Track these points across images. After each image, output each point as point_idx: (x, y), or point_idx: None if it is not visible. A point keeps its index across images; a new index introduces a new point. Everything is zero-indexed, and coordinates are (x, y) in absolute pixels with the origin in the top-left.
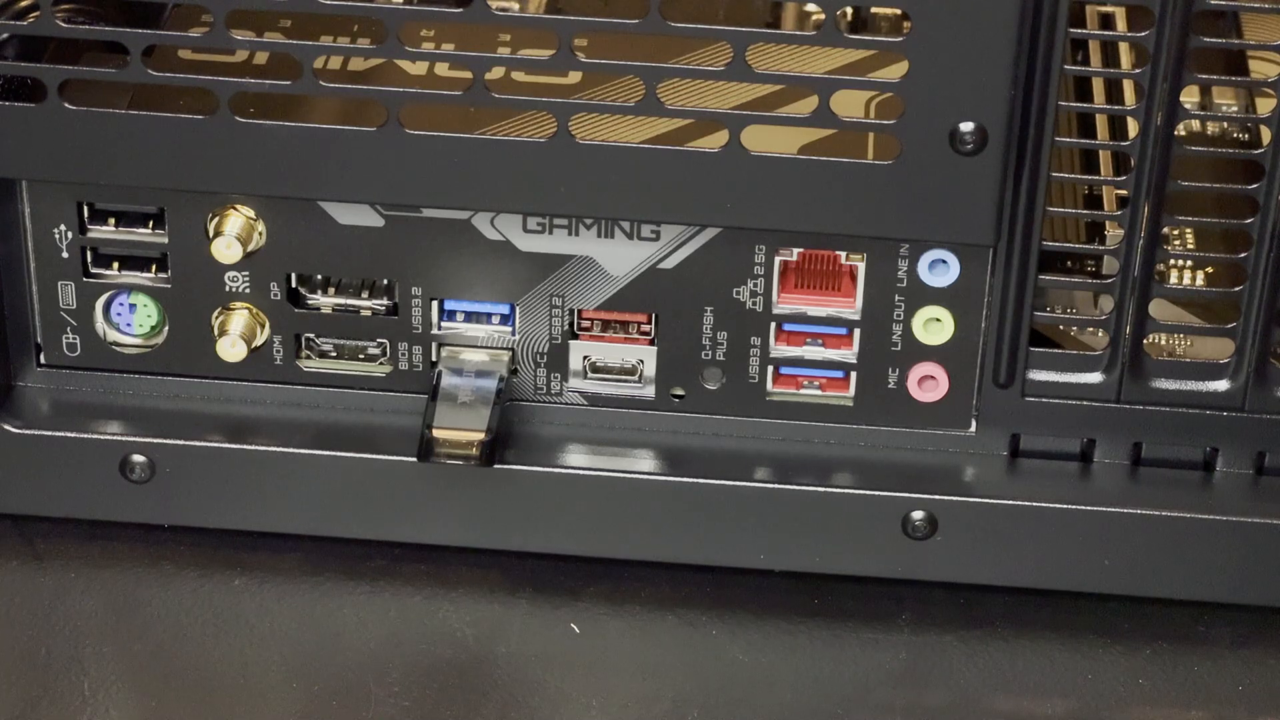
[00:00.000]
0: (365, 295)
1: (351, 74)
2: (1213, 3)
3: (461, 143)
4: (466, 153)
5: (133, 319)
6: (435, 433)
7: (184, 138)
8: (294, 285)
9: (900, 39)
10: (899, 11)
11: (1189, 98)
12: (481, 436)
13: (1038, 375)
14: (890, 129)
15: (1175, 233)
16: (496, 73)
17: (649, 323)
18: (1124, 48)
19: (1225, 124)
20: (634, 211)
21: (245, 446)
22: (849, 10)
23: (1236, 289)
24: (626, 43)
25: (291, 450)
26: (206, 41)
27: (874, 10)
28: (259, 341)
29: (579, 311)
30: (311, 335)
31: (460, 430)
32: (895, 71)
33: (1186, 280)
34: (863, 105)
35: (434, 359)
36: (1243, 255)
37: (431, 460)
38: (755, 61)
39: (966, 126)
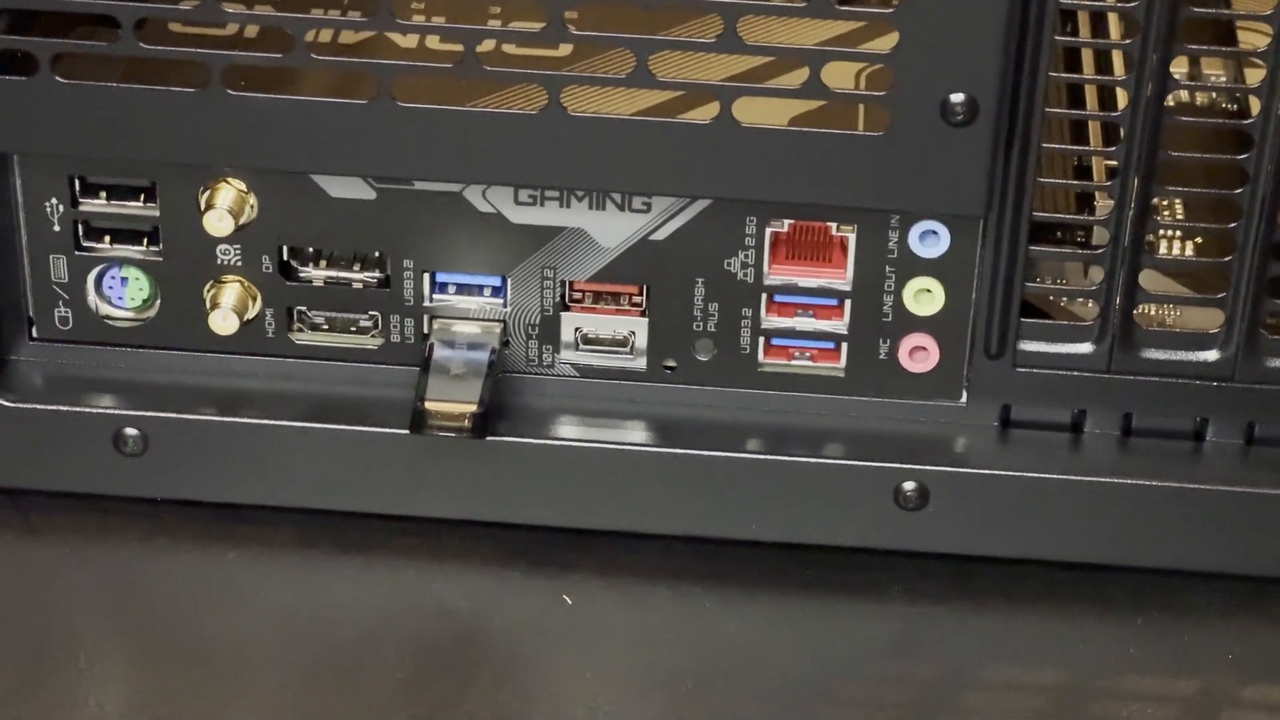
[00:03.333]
0: (357, 268)
1: (343, 47)
2: None
3: (453, 115)
4: (458, 125)
5: (125, 292)
6: (427, 405)
7: (175, 111)
8: (286, 258)
9: (890, 10)
10: None
11: (1178, 68)
12: (473, 408)
13: (1028, 346)
14: (881, 100)
15: (1165, 203)
16: (487, 45)
17: (640, 294)
18: (1113, 18)
19: (1214, 94)
20: (625, 183)
21: (238, 420)
22: None
23: (1226, 259)
24: (617, 15)
25: (284, 423)
26: (198, 15)
27: None
28: (251, 314)
29: (570, 283)
30: (303, 308)
31: (452, 402)
32: (886, 43)
33: (1176, 250)
34: (853, 76)
35: (426, 331)
36: (1232, 225)
37: (423, 432)
38: (746, 33)
39: (957, 98)
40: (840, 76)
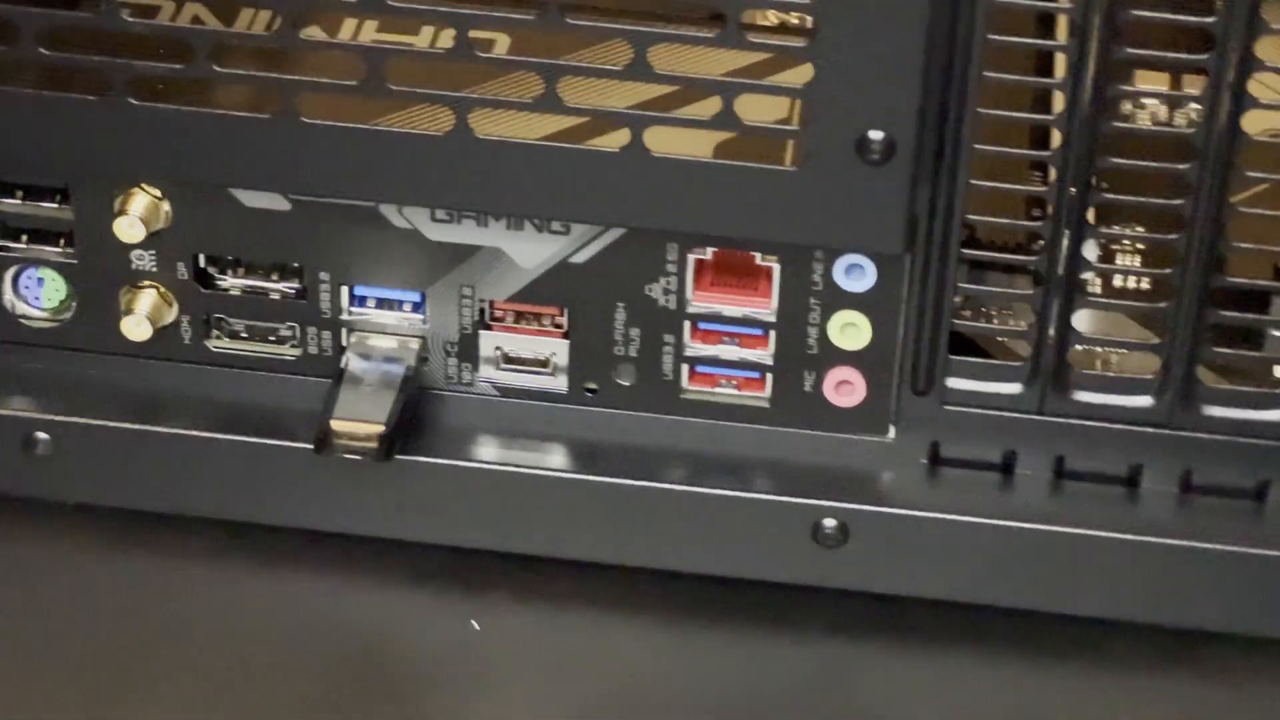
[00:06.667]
0: (275, 278)
1: (252, 60)
2: (1139, 14)
3: (358, 133)
4: (364, 143)
5: (41, 293)
6: (333, 424)
7: (80, 119)
8: (203, 265)
9: (804, 44)
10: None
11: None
12: (380, 429)
13: (957, 384)
14: (795, 134)
15: (1101, 244)
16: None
17: (562, 315)
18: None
19: (1153, 131)
20: (532, 208)
21: (148, 427)
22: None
23: (1162, 304)
24: (528, 38)
25: (194, 433)
26: (98, 21)
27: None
28: (167, 321)
29: (492, 302)
30: (221, 316)
31: (359, 422)
32: (801, 76)
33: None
34: (787, 107)
35: (344, 344)
36: (1168, 270)
37: (328, 452)
38: (660, 62)
39: (874, 135)
40: (769, 108)
